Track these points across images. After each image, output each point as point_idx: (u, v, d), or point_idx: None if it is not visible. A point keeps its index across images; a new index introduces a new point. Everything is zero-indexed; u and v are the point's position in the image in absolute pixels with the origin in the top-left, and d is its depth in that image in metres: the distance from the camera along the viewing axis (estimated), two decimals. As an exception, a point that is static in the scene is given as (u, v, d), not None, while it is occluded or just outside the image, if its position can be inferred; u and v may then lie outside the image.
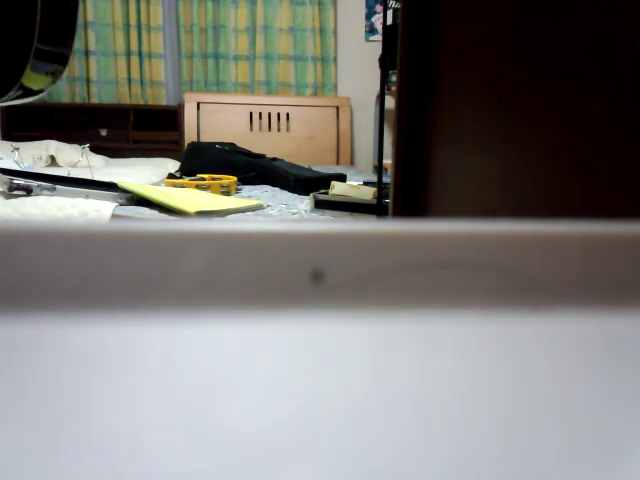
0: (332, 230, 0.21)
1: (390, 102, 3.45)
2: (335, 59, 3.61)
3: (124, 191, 1.56)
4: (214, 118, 3.45)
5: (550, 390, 0.17)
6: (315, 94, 3.61)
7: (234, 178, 1.90)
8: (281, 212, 1.53)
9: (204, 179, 1.90)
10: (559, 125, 0.48)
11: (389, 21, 3.04)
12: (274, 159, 2.20)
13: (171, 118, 3.52)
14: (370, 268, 0.21)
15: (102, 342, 0.18)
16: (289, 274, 0.21)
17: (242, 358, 0.18)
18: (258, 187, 2.03)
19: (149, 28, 3.42)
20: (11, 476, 0.12)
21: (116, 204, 1.53)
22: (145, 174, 2.40)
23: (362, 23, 3.63)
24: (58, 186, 1.53)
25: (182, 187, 1.76)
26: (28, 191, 1.51)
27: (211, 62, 3.52)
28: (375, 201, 1.45)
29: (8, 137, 3.26)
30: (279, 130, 3.50)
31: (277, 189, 2.00)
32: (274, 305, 0.21)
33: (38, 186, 1.51)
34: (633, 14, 0.39)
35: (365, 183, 1.92)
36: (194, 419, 0.14)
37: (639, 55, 0.39)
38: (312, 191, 1.76)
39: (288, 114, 3.51)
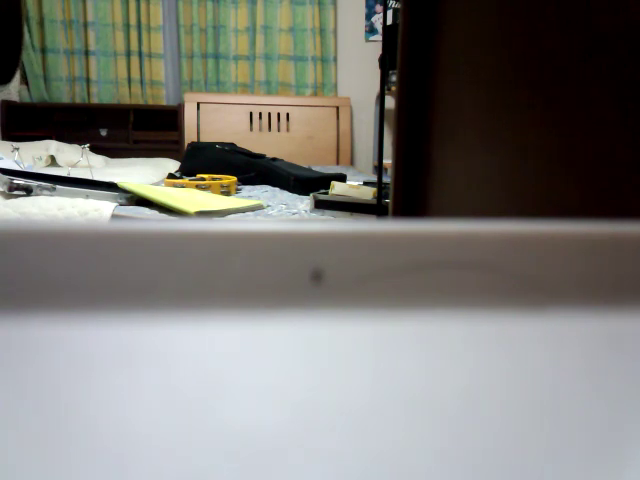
0: (332, 230, 0.21)
1: (390, 102, 3.45)
2: (335, 59, 3.60)
3: (124, 191, 1.56)
4: (214, 118, 3.45)
5: (550, 389, 0.17)
6: (315, 94, 3.61)
7: (234, 178, 1.90)
8: (281, 212, 1.53)
9: (204, 179, 1.90)
10: (559, 125, 0.48)
11: (389, 21, 3.04)
12: (274, 159, 2.20)
13: (171, 118, 3.52)
14: (370, 268, 0.21)
15: (102, 342, 0.18)
16: (289, 274, 0.21)
17: (242, 358, 0.18)
18: (258, 187, 2.03)
19: (149, 28, 3.42)
20: (12, 475, 0.12)
21: (116, 204, 1.53)
22: (145, 174, 2.39)
23: (362, 23, 3.63)
24: (58, 186, 1.53)
25: (182, 187, 1.76)
26: (28, 191, 1.51)
27: (211, 62, 3.52)
28: (375, 201, 1.45)
29: (8, 137, 3.26)
30: (279, 130, 3.50)
31: (277, 189, 2.00)
32: (274, 305, 0.21)
33: (38, 186, 1.51)
34: (634, 13, 0.39)
35: (365, 183, 1.92)
36: (194, 419, 0.14)
37: None
38: (312, 191, 1.76)
39: (288, 114, 3.51)
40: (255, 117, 3.48)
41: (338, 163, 3.54)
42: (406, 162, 0.85)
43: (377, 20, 3.62)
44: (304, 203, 1.68)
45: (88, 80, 3.46)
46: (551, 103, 0.49)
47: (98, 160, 2.89)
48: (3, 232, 0.19)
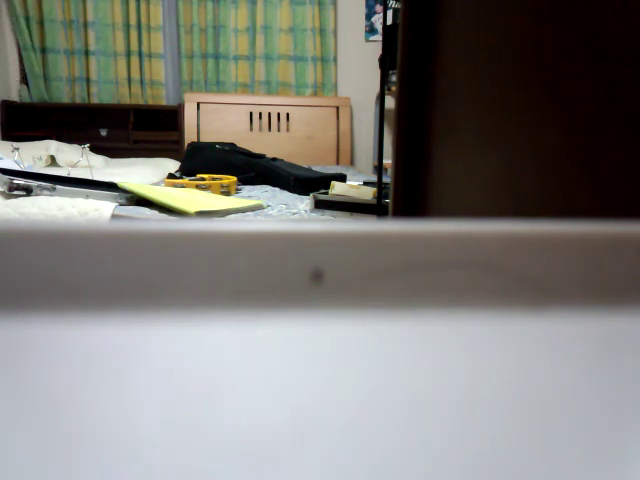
0: (332, 230, 0.21)
1: (390, 102, 3.45)
2: (335, 59, 3.60)
3: (124, 191, 1.56)
4: (214, 118, 3.44)
5: (550, 389, 0.17)
6: (315, 94, 3.61)
7: (234, 178, 1.90)
8: (281, 212, 1.53)
9: (204, 179, 1.90)
10: (559, 125, 0.48)
11: (389, 21, 3.04)
12: (274, 159, 2.20)
13: (171, 118, 3.52)
14: (370, 268, 0.21)
15: (102, 342, 0.18)
16: (289, 274, 0.21)
17: (242, 358, 0.18)
18: (258, 187, 2.03)
19: (149, 28, 3.42)
20: (12, 475, 0.12)
21: (116, 204, 1.53)
22: (145, 174, 2.39)
23: (362, 23, 3.63)
24: (58, 186, 1.53)
25: (182, 187, 1.76)
26: (28, 191, 1.51)
27: (211, 62, 3.52)
28: (375, 201, 1.45)
29: (8, 137, 3.26)
30: (279, 130, 3.50)
31: (277, 189, 2.00)
32: (274, 305, 0.21)
33: (38, 186, 1.51)
34: (634, 13, 0.39)
35: (365, 183, 1.92)
36: (194, 419, 0.14)
37: None
38: (312, 191, 1.76)
39: (288, 114, 3.51)
40: (255, 117, 3.48)
41: (338, 163, 3.54)
42: (406, 162, 0.85)
43: (377, 20, 3.62)
44: (304, 203, 1.67)
45: (88, 80, 3.46)
46: (551, 103, 0.49)
47: (98, 160, 2.89)
48: (3, 232, 0.19)
